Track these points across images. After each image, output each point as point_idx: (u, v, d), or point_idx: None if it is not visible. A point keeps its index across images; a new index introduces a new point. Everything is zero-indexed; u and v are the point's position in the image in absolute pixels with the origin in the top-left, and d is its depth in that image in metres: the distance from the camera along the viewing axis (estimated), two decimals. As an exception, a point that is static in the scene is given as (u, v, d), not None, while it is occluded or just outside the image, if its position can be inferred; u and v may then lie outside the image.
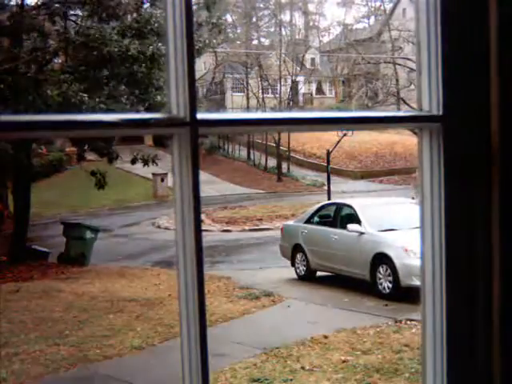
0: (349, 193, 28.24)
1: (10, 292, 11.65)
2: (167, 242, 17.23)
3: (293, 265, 13.38)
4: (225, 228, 21.18)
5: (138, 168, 21.19)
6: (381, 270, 11.10)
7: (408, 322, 9.18)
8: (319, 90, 46.97)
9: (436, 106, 1.11)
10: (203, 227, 1.01)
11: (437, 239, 1.13)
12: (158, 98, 14.17)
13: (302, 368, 7.57)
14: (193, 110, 0.94)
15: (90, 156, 18.61)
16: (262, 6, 46.32)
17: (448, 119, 1.11)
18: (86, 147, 17.00)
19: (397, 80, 31.63)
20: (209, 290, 11.22)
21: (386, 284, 10.99)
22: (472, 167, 1.11)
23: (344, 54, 39.67)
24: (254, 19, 44.88)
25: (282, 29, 44.23)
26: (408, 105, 26.35)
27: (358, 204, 12.97)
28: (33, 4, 14.95)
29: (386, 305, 10.40)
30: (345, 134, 27.06)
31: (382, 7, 48.53)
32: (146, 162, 15.99)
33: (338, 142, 28.36)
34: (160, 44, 13.23)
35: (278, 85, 37.38)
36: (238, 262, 15.76)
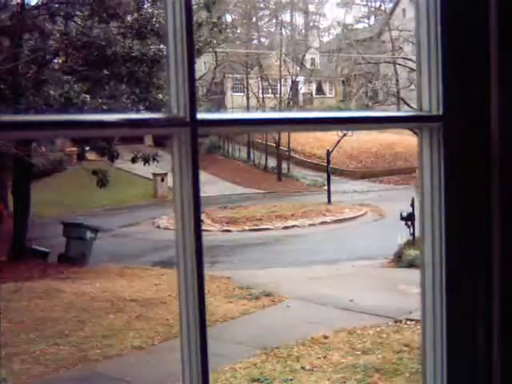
0: (349, 193, 28.24)
1: (10, 292, 11.64)
2: (167, 242, 17.22)
3: None
4: (225, 228, 21.17)
5: (138, 168, 21.20)
6: None
7: (408, 322, 9.18)
8: (319, 90, 46.92)
9: (436, 106, 1.11)
10: (203, 227, 1.00)
11: (437, 239, 1.13)
12: (159, 96, 14.16)
13: (302, 368, 7.58)
14: (193, 110, 0.94)
15: (91, 156, 18.60)
16: (262, 5, 46.27)
17: (448, 119, 1.11)
18: (86, 147, 17.00)
19: (397, 80, 31.62)
20: (209, 290, 11.21)
21: None
22: (472, 167, 1.11)
23: (344, 54, 39.63)
24: (254, 19, 44.82)
25: (282, 29, 44.22)
26: (408, 105, 26.32)
27: None
28: (33, 4, 14.94)
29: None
30: (345, 134, 27.08)
31: (382, 7, 48.55)
32: (146, 161, 15.96)
33: (338, 141, 28.37)
34: (162, 46, 13.23)
35: (278, 85, 37.34)
36: (238, 261, 15.76)
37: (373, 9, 50.26)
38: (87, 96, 12.71)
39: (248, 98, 38.80)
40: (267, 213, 23.13)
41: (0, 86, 12.92)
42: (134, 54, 13.38)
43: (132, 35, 13.73)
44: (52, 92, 12.58)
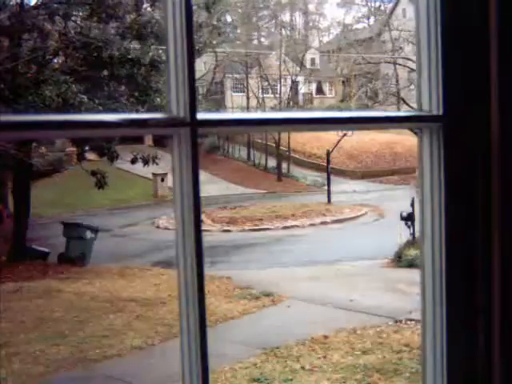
0: (349, 193, 28.25)
1: (10, 292, 11.64)
2: (167, 242, 17.22)
3: None
4: (225, 228, 21.18)
5: (138, 168, 21.18)
6: None
7: (408, 322, 9.18)
8: (319, 90, 46.91)
9: (436, 106, 1.11)
10: (203, 227, 1.00)
11: (437, 239, 1.13)
12: (158, 100, 14.15)
13: (302, 368, 7.58)
14: (193, 110, 0.94)
15: (90, 156, 18.61)
16: (262, 6, 46.25)
17: (448, 119, 1.11)
18: (86, 147, 17.00)
19: (397, 80, 31.62)
20: (209, 290, 11.21)
21: None
22: (472, 167, 1.11)
23: (344, 54, 39.65)
24: (254, 19, 44.82)
25: (282, 29, 44.21)
26: (408, 105, 26.32)
27: None
28: (33, 4, 14.92)
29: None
30: (345, 134, 27.08)
31: (381, 7, 48.58)
32: (146, 162, 15.96)
33: (338, 141, 28.38)
34: (160, 51, 13.21)
35: (278, 85, 37.34)
36: (238, 262, 15.75)
37: (372, 9, 50.28)
38: (84, 97, 12.70)
39: (248, 98, 38.78)
40: (267, 213, 23.13)
41: (0, 85, 12.92)
42: (130, 57, 13.37)
43: (131, 36, 13.72)
44: (48, 93, 12.57)
